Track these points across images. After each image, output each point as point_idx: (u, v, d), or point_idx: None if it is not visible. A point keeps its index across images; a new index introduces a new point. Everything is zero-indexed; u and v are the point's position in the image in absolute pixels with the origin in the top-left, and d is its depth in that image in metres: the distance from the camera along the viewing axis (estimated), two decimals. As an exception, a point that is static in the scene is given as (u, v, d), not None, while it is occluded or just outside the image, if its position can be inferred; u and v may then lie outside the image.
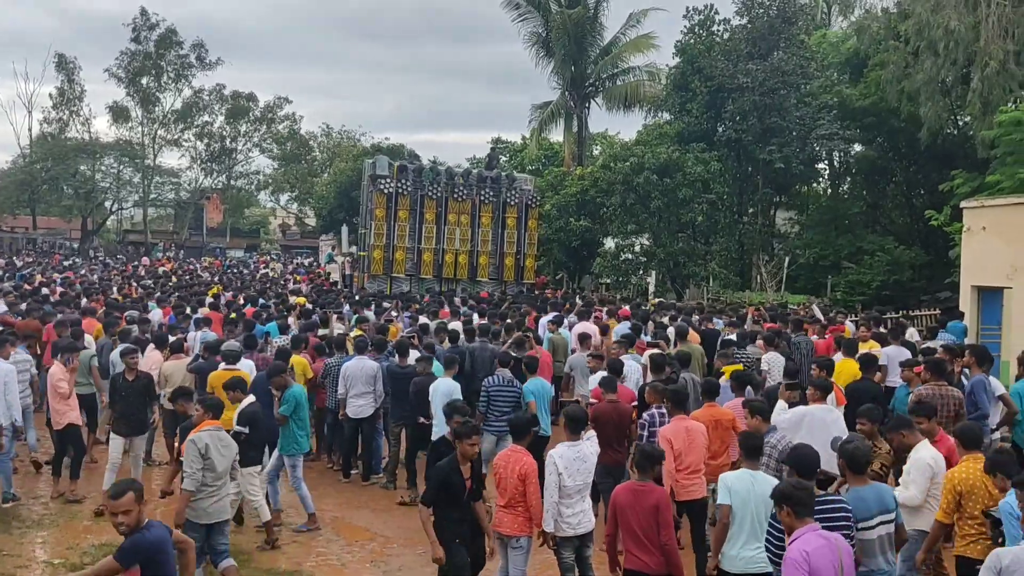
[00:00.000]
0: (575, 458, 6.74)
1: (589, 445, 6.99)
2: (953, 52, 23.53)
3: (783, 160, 28.44)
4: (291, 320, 15.55)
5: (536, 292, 27.15)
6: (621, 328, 14.38)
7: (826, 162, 34.22)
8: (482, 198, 28.20)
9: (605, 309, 18.17)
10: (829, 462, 6.52)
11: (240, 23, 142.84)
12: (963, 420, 8.34)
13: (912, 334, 14.72)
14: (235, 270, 43.19)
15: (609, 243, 31.51)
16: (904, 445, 7.01)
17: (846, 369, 10.55)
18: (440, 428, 9.56)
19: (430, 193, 27.44)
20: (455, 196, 27.78)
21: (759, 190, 30.77)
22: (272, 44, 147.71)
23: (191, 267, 43.31)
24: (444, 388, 9.87)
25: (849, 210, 32.23)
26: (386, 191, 26.81)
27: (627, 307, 18.76)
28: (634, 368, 10.85)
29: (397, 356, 11.06)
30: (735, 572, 5.91)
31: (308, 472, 11.10)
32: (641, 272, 29.96)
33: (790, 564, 4.77)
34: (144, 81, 60.26)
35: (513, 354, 11.30)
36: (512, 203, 28.62)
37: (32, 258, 44.12)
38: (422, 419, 10.02)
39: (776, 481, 5.83)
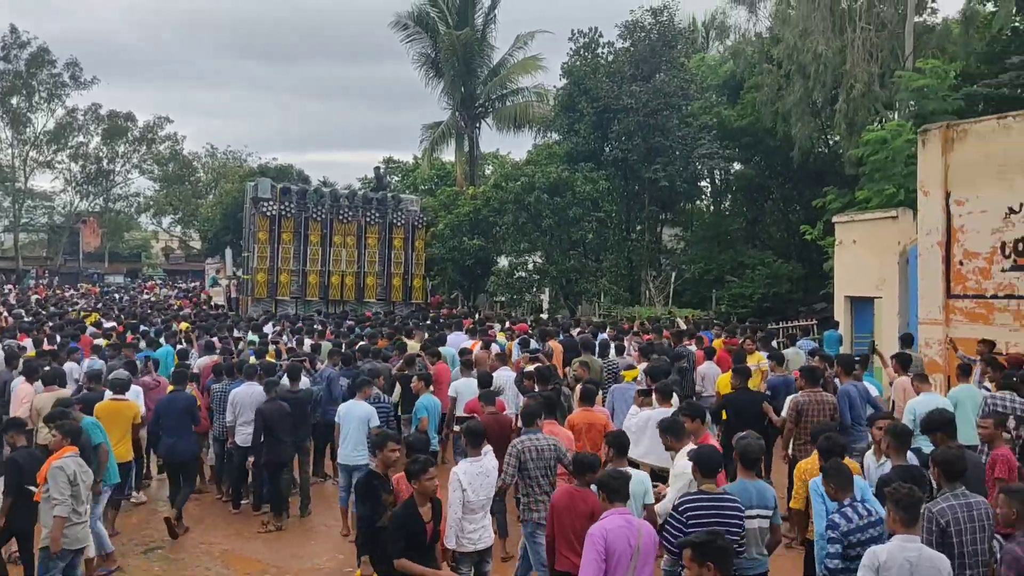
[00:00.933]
0: (478, 473, 6.80)
1: (489, 460, 7.04)
2: (822, 75, 24.85)
3: (667, 179, 29.35)
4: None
5: (432, 312, 27.07)
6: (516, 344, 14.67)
7: (708, 180, 35.54)
8: (368, 219, 28.33)
9: (498, 327, 18.31)
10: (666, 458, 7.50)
11: (118, 40, 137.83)
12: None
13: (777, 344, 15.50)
14: (113, 296, 41.29)
15: (503, 261, 31.78)
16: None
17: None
18: (353, 454, 9.47)
19: (315, 215, 27.40)
20: (340, 218, 27.82)
21: (646, 208, 31.64)
22: (153, 62, 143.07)
23: (65, 294, 41.20)
24: (359, 412, 9.56)
25: (730, 226, 33.52)
26: (269, 214, 26.64)
27: (525, 323, 19.01)
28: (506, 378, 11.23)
29: (288, 380, 10.81)
30: None
31: (197, 504, 10.73)
32: (535, 289, 30.35)
33: (589, 539, 5.28)
34: (14, 101, 57.31)
35: (406, 372, 11.47)
36: (399, 224, 28.87)
37: None
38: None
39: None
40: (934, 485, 5.86)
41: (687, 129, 29.95)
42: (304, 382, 11.17)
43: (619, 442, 6.68)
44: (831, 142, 29.01)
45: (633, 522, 5.41)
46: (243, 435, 10.37)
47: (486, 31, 39.32)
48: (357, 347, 14.42)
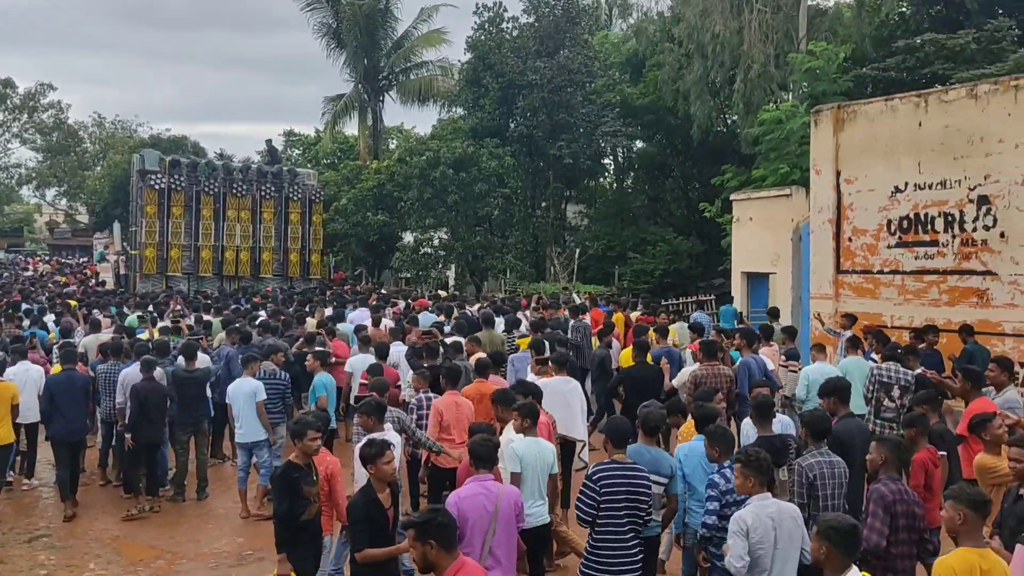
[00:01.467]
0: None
1: (391, 435, 7.07)
2: (720, 55, 25.42)
3: (571, 155, 29.55)
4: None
5: (334, 288, 26.61)
6: (424, 319, 14.60)
7: (611, 157, 35.97)
8: (263, 193, 27.82)
9: (402, 303, 18.15)
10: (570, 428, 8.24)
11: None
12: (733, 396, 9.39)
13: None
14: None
15: (408, 237, 31.48)
16: None
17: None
18: (248, 432, 9.46)
19: (207, 188, 26.80)
20: (234, 191, 27.27)
21: (550, 184, 31.81)
22: (35, 26, 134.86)
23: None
24: (247, 388, 9.50)
25: (633, 203, 34.05)
26: (157, 187, 25.99)
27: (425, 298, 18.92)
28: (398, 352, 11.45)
29: (184, 359, 10.43)
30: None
31: (84, 489, 10.29)
32: (440, 266, 30.18)
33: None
34: None
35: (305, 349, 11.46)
36: (295, 198, 28.41)
37: None
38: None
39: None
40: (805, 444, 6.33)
41: (591, 106, 30.18)
42: (202, 359, 10.81)
43: (532, 412, 6.71)
44: (729, 121, 29.75)
45: (492, 488, 5.54)
46: (136, 417, 9.98)
47: (389, 2, 38.62)
48: (257, 323, 14.09)
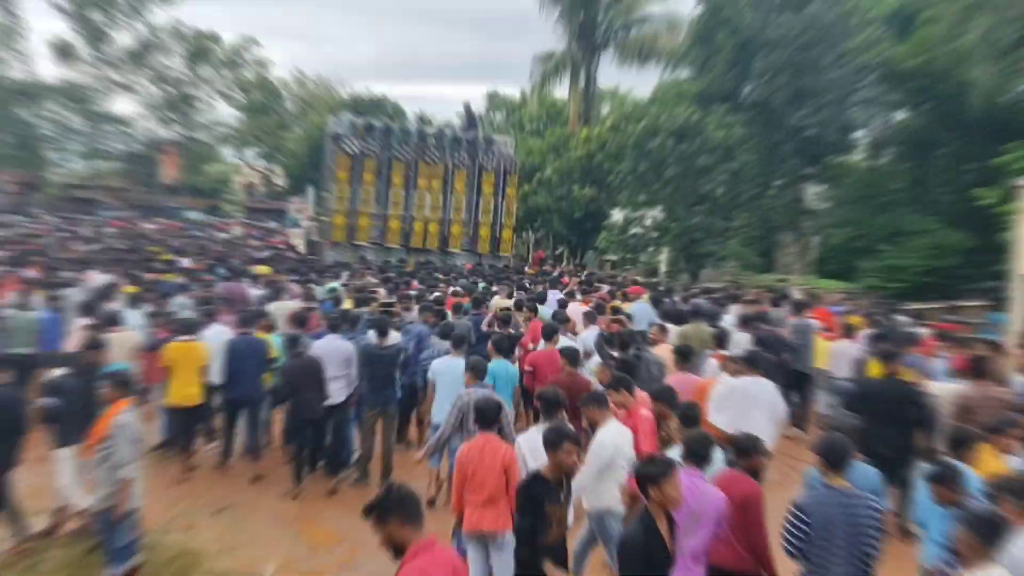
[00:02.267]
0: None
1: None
2: (1012, 7, 23.44)
3: (816, 126, 28.35)
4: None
5: (535, 268, 27.05)
6: (638, 308, 14.49)
7: (865, 130, 34.10)
8: (456, 161, 28.36)
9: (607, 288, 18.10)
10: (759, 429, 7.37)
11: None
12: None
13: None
14: (192, 234, 42.91)
15: (617, 215, 31.43)
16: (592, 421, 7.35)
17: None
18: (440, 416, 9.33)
19: (399, 155, 27.70)
20: (426, 159, 28.03)
21: (787, 160, 30.65)
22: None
23: (140, 228, 43.01)
24: (458, 369, 9.34)
25: (888, 186, 32.13)
26: (350, 152, 27.16)
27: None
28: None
29: (376, 335, 10.91)
30: None
31: (274, 463, 11.04)
32: (652, 249, 29.89)
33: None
34: (93, 15, 59.68)
35: (497, 329, 11.63)
36: (489, 168, 28.69)
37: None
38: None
39: None
40: None
41: (844, 69, 28.71)
42: (394, 336, 11.22)
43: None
44: (1018, 90, 27.38)
45: (700, 486, 5.60)
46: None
47: (613, -52, 38.61)
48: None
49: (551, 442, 6.08)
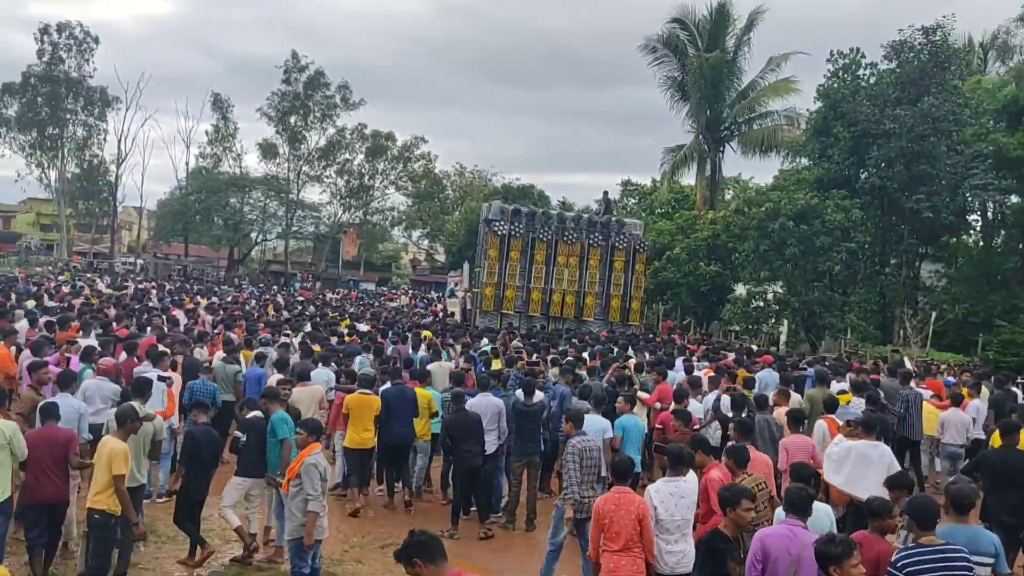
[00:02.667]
0: (671, 493, 6.77)
1: (688, 483, 6.97)
2: None
3: (931, 209, 26.97)
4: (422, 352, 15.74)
5: (663, 336, 26.65)
6: (765, 375, 14.08)
7: (978, 213, 32.26)
8: (591, 241, 28.87)
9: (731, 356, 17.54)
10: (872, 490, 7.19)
11: (381, 65, 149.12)
12: None
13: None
14: (368, 302, 44.32)
15: (740, 289, 30.65)
16: None
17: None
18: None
19: (541, 236, 28.47)
20: (565, 239, 28.67)
21: (904, 240, 29.25)
22: (410, 86, 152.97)
23: (327, 297, 44.72)
24: (598, 426, 9.43)
25: (1003, 264, 30.15)
26: (499, 233, 28.08)
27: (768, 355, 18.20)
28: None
29: (523, 394, 10.91)
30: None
31: (426, 507, 11.08)
32: (773, 321, 28.92)
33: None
34: (292, 120, 63.36)
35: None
36: (620, 247, 29.05)
37: (179, 283, 46.60)
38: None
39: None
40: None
41: (957, 157, 27.33)
42: (538, 395, 11.22)
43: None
44: None
45: (798, 534, 5.51)
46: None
47: (737, 54, 38.40)
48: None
49: (729, 500, 5.90)
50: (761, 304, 28.74)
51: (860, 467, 8.06)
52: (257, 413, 8.97)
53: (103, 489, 7.04)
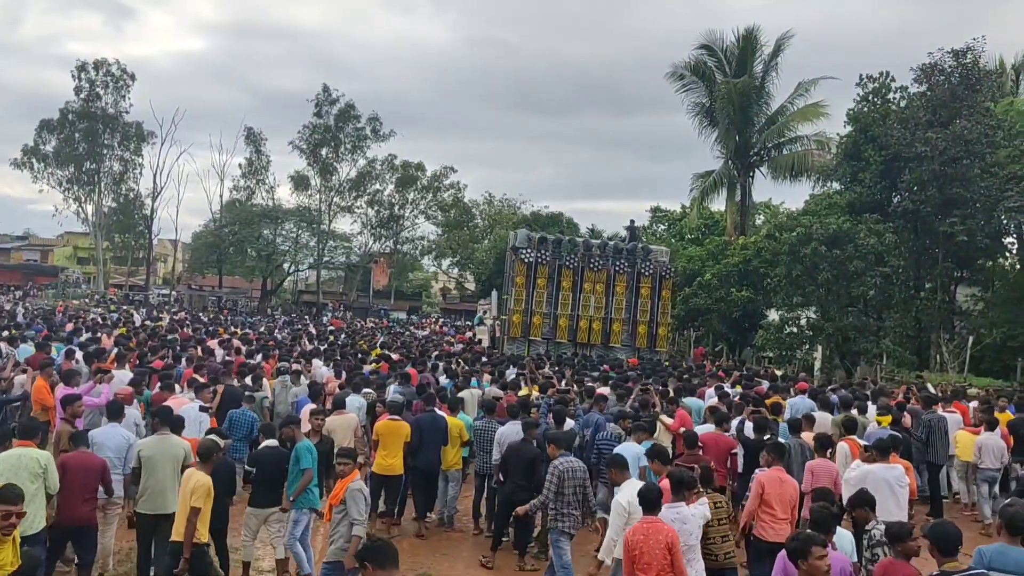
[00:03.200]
0: (673, 519, 6.94)
1: (692, 509, 7.16)
2: None
3: (966, 233, 26.65)
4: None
5: (697, 362, 26.47)
6: (797, 401, 14.12)
7: (1014, 235, 31.77)
8: (617, 268, 29.12)
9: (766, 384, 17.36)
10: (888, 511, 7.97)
11: (410, 97, 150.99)
12: None
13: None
14: (398, 331, 44.50)
15: (773, 315, 30.40)
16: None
17: None
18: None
19: (567, 263, 28.80)
20: (591, 266, 28.95)
21: (938, 264, 28.89)
22: (439, 117, 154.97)
23: (360, 326, 44.95)
24: (635, 451, 9.46)
25: (1042, 287, 29.63)
26: (526, 260, 28.46)
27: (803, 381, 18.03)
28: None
29: (554, 422, 10.88)
30: None
31: (458, 537, 11.04)
32: (807, 346, 28.61)
33: None
34: (323, 152, 64.21)
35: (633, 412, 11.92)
36: (647, 274, 29.27)
37: (213, 315, 47.12)
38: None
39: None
40: None
41: (991, 179, 27.02)
42: (569, 423, 11.19)
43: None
44: None
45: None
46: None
47: (765, 79, 38.41)
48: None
49: (799, 551, 5.56)
50: (794, 330, 28.46)
51: (877, 490, 8.07)
52: (270, 443, 9.03)
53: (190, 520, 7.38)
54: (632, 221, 34.75)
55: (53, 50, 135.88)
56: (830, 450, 9.66)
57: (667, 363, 24.28)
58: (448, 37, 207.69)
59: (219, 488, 8.31)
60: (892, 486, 8.49)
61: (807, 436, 10.33)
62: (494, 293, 42.01)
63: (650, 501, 6.83)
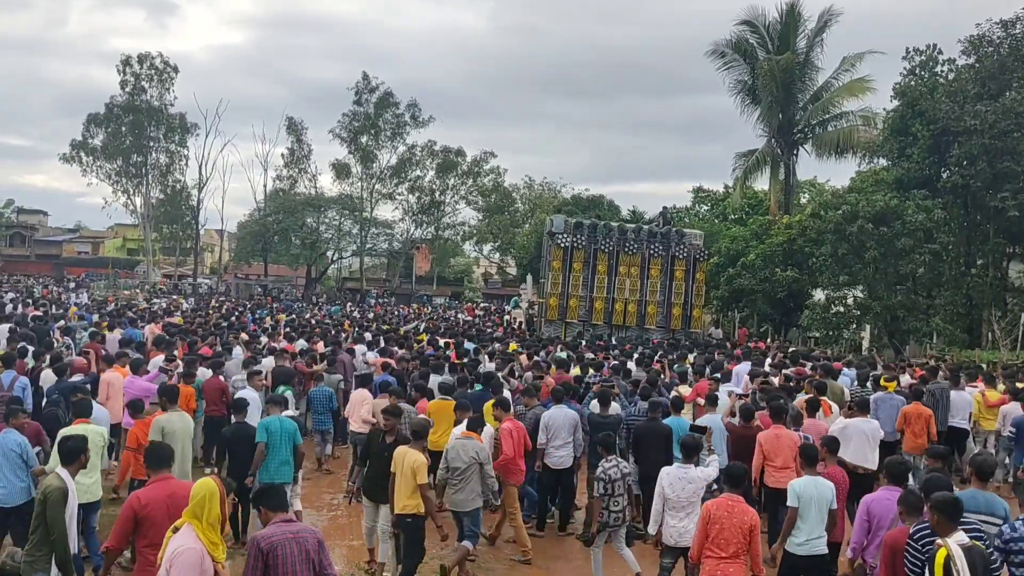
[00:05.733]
0: (680, 477, 7.78)
1: (699, 471, 7.90)
2: None
3: (1018, 207, 26.07)
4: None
5: (741, 343, 26.35)
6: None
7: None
8: (651, 252, 29.46)
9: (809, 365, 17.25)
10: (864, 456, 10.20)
11: (449, 85, 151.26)
12: None
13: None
14: (442, 316, 44.81)
15: (819, 295, 30.02)
16: None
17: None
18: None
19: (603, 247, 29.21)
20: (626, 250, 29.34)
21: (990, 240, 28.29)
22: (478, 104, 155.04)
23: (402, 312, 45.29)
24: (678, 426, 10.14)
25: (1098, 262, 28.88)
26: (563, 245, 28.94)
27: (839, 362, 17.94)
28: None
29: (599, 404, 10.95)
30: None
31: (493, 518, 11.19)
32: (854, 326, 28.21)
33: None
34: (364, 140, 64.56)
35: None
36: (681, 257, 29.55)
37: (258, 301, 47.79)
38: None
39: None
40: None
41: (1043, 152, 26.36)
42: (614, 407, 11.22)
43: (810, 455, 7.75)
44: None
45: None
46: (555, 458, 10.55)
47: (809, 55, 37.74)
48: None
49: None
50: (841, 309, 28.07)
51: (856, 439, 10.12)
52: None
53: (411, 495, 7.99)
54: (664, 207, 34.90)
55: (96, 47, 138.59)
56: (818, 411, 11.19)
57: (686, 342, 24.40)
58: (483, 24, 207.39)
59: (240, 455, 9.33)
60: (868, 437, 10.31)
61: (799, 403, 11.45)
62: (528, 278, 42.50)
63: (735, 478, 6.98)
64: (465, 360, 15.93)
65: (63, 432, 7.58)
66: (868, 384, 14.15)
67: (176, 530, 5.02)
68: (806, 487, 7.37)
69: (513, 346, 19.79)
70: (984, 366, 19.10)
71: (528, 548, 9.63)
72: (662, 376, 14.20)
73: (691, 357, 18.39)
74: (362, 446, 10.13)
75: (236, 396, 10.93)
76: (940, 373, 15.69)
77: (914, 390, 13.34)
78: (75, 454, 6.51)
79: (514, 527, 9.85)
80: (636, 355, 18.33)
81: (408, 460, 8.02)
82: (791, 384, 13.70)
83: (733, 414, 11.26)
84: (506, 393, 11.71)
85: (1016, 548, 5.86)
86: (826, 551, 7.43)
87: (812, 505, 7.29)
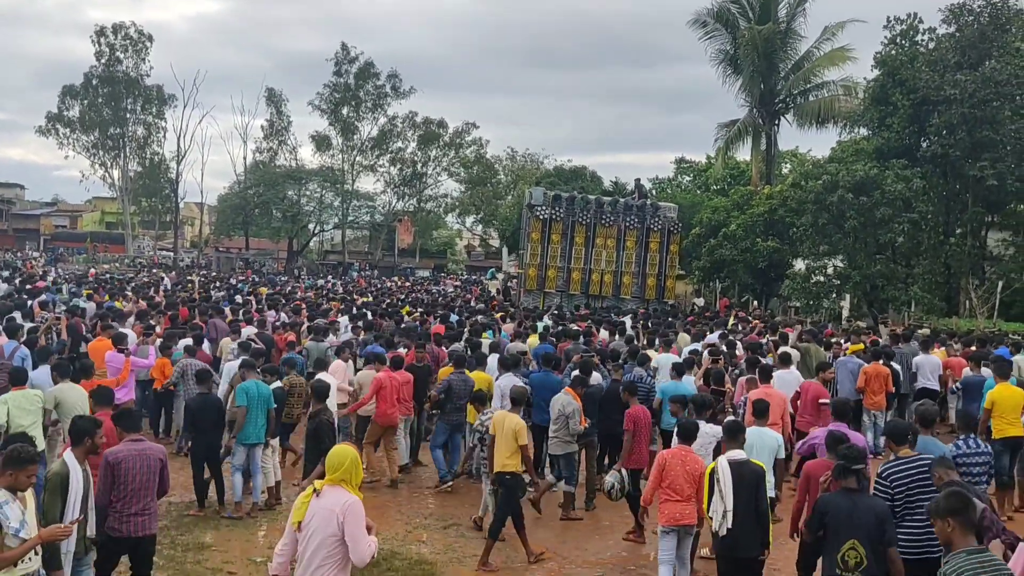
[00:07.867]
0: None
1: (710, 426, 8.64)
2: None
3: (996, 176, 26.21)
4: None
5: (722, 313, 26.53)
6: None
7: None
8: (627, 224, 30.10)
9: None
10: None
11: (429, 56, 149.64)
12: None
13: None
14: (424, 288, 44.74)
15: (799, 264, 30.21)
16: None
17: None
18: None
19: (580, 219, 29.77)
20: (603, 222, 29.93)
21: (968, 209, 28.48)
22: (459, 75, 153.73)
23: (385, 285, 45.15)
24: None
25: (1074, 231, 29.14)
26: (541, 217, 29.42)
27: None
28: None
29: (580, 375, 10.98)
30: None
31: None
32: (834, 295, 28.42)
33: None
34: (344, 111, 64.01)
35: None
36: (655, 229, 30.22)
37: (245, 276, 47.48)
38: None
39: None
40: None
41: (1022, 122, 26.47)
42: (596, 377, 11.29)
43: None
44: None
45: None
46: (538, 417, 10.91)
47: (791, 24, 37.64)
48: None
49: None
50: (821, 279, 28.26)
51: (781, 387, 11.03)
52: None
53: (511, 455, 8.61)
54: (638, 180, 35.31)
55: (72, 17, 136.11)
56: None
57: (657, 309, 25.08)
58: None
59: (204, 424, 9.70)
60: (790, 383, 11.41)
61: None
62: (504, 250, 43.04)
63: (689, 432, 7.81)
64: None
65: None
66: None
67: (316, 492, 5.13)
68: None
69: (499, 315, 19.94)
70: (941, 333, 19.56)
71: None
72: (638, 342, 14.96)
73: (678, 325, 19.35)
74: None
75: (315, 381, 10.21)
76: (912, 339, 16.36)
77: (872, 351, 14.03)
78: (82, 436, 6.28)
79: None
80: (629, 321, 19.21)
81: (508, 423, 8.69)
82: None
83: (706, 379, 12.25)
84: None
85: (962, 462, 7.29)
86: (774, 494, 8.30)
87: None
